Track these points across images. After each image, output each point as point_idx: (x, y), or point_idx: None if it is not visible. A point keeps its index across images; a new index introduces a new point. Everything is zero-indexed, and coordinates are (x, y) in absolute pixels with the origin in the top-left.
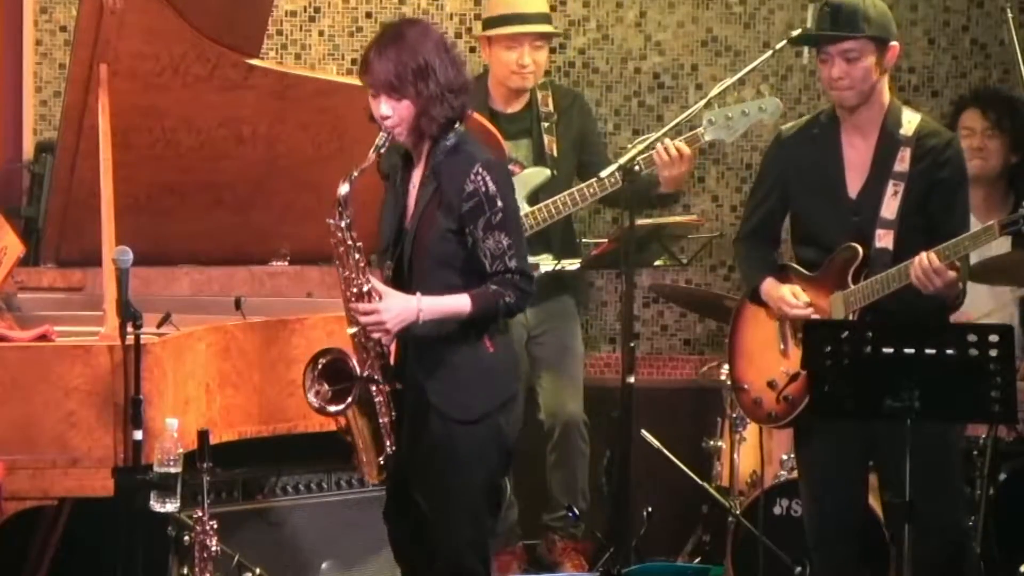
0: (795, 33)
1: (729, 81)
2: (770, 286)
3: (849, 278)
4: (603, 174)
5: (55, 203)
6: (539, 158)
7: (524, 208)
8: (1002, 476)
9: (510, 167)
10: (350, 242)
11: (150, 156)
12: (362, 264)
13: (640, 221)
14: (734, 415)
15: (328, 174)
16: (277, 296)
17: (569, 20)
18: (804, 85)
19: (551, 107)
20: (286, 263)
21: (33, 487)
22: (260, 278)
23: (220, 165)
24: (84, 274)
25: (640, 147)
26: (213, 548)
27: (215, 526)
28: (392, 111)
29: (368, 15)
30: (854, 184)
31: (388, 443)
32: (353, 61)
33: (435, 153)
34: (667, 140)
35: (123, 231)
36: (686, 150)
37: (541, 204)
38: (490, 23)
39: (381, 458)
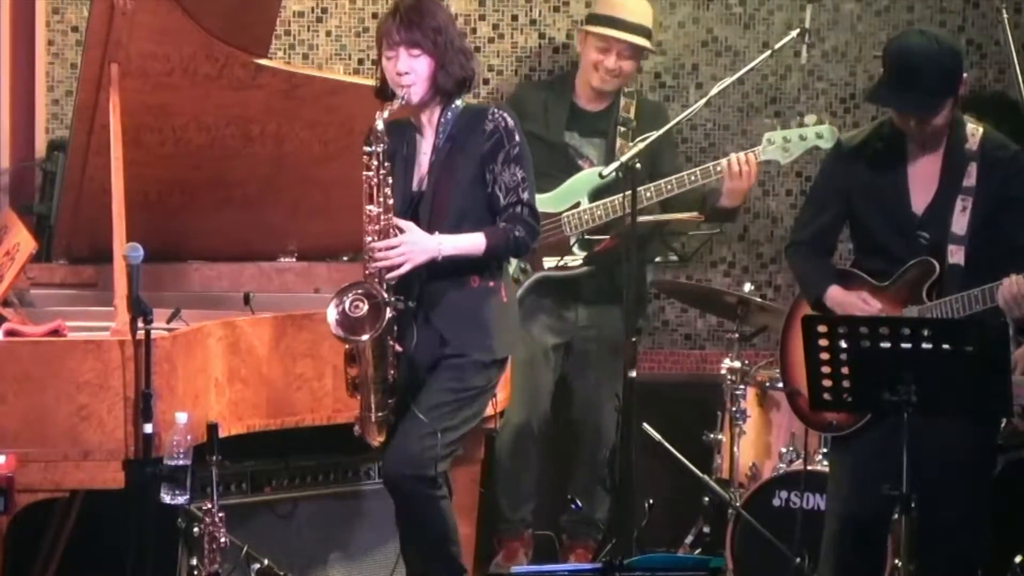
0: (867, 94)
1: (729, 81)
2: (839, 293)
3: (924, 293)
4: (605, 171)
5: (67, 200)
6: (609, 159)
7: (584, 204)
8: (997, 469)
9: (579, 163)
10: (383, 173)
11: (160, 154)
12: (390, 201)
13: (642, 218)
14: (734, 409)
15: (335, 172)
16: (285, 292)
17: (572, 20)
18: (803, 85)
19: (631, 114)
20: (294, 259)
21: (45, 479)
22: (268, 274)
23: (229, 163)
24: (95, 270)
25: (640, 145)
26: (222, 539)
27: (224, 518)
28: (410, 68)
29: (375, 16)
30: (919, 199)
31: (389, 400)
32: (360, 61)
33: (445, 115)
34: (738, 154)
35: (134, 228)
36: (753, 165)
37: (598, 202)
38: (591, 19)
39: (382, 413)
